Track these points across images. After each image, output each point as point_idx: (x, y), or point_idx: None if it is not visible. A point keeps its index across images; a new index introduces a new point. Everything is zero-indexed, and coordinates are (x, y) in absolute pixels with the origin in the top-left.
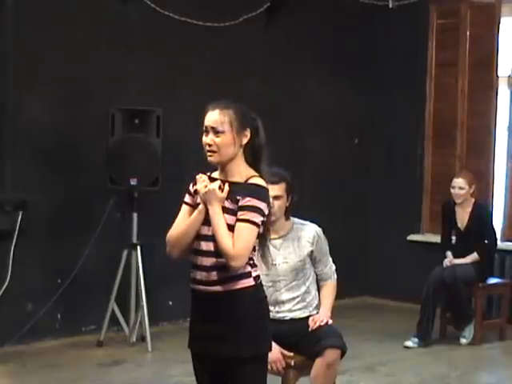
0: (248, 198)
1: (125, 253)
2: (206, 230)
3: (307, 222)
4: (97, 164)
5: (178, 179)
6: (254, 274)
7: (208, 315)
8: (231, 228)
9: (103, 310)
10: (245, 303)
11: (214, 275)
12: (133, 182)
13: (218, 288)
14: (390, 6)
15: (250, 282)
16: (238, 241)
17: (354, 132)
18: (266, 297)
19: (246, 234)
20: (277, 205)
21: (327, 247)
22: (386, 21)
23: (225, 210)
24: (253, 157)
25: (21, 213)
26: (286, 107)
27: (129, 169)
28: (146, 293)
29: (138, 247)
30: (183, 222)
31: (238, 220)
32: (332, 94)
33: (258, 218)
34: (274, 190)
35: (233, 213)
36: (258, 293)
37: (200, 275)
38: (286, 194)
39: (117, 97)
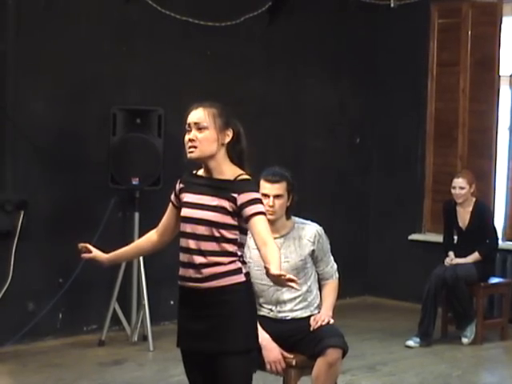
0: (246, 193)
1: None
2: (190, 228)
3: (308, 221)
4: (98, 163)
5: (179, 178)
6: (244, 271)
7: (197, 312)
8: (226, 226)
9: (105, 310)
10: (235, 299)
11: (203, 272)
12: (134, 181)
13: (207, 284)
14: (392, 5)
15: (240, 278)
16: (264, 232)
17: (355, 131)
18: (254, 293)
19: (265, 224)
20: (278, 204)
21: (328, 246)
22: (387, 20)
23: (217, 208)
24: (237, 159)
25: (22, 213)
26: (287, 107)
27: (130, 168)
28: (148, 292)
29: None
30: (166, 220)
31: (252, 215)
32: (333, 93)
33: (263, 208)
34: (275, 189)
35: (226, 211)
36: (247, 289)
37: (189, 272)
38: (287, 193)
39: (118, 96)
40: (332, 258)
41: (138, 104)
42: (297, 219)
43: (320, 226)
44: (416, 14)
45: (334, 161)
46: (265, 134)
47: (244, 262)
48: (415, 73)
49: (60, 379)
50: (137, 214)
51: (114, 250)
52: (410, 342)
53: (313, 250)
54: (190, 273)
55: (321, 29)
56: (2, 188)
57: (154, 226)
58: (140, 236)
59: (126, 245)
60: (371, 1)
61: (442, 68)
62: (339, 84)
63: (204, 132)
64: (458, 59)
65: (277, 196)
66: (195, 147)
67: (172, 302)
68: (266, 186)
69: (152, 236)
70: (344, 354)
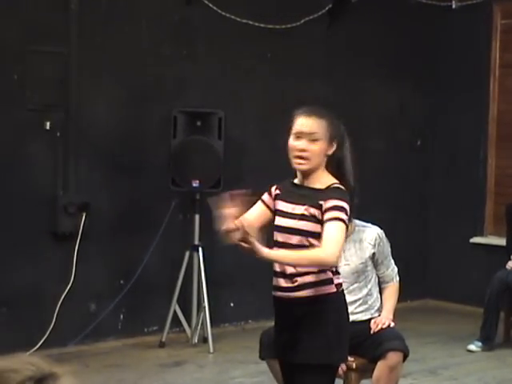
0: (330, 200)
1: (187, 254)
2: (281, 238)
3: (369, 224)
4: (159, 166)
5: (239, 181)
6: (335, 282)
7: (286, 321)
8: (315, 235)
9: (165, 311)
10: (323, 310)
11: (293, 281)
12: (195, 183)
13: (297, 294)
14: (454, 6)
15: (331, 288)
16: (327, 240)
17: (415, 133)
18: (346, 306)
19: (334, 231)
20: None
21: (389, 249)
22: (448, 21)
23: (307, 217)
24: (337, 167)
25: (84, 214)
26: (347, 109)
27: (191, 171)
28: (208, 294)
29: (200, 249)
30: (250, 214)
31: (326, 221)
32: (394, 95)
33: (344, 216)
34: None
35: (316, 220)
36: (338, 301)
37: (280, 282)
38: None
39: (179, 99)
40: (392, 261)
41: (198, 107)
42: (357, 222)
43: (380, 228)
44: (478, 14)
45: (394, 163)
46: None
47: (336, 273)
48: (477, 74)
49: (121, 380)
50: (197, 216)
51: (175, 251)
52: (472, 346)
53: (373, 253)
54: (281, 282)
55: (381, 30)
56: (64, 190)
57: (215, 228)
58: (201, 238)
59: (187, 246)
60: (432, 2)
61: (505, 69)
62: (400, 85)
63: (317, 144)
64: None
65: None
66: (306, 159)
67: (232, 305)
68: None
69: None
70: (405, 358)
